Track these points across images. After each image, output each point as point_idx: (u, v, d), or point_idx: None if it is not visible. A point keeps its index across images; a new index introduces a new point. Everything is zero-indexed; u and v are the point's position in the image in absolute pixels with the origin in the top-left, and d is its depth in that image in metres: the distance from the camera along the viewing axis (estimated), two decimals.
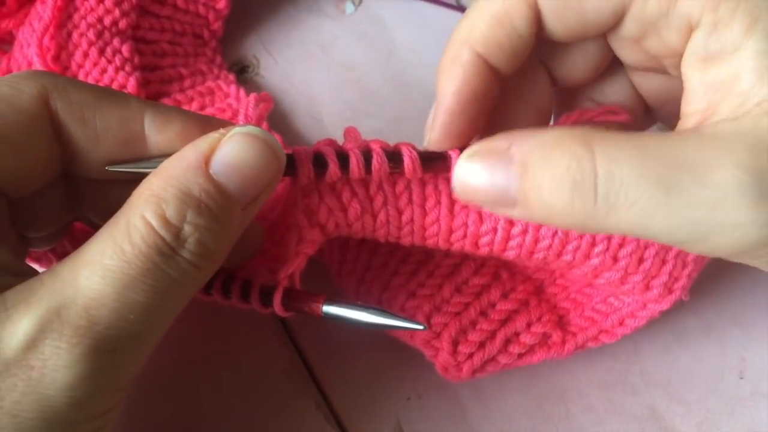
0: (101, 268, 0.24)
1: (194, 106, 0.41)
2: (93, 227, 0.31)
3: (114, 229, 0.25)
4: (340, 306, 0.30)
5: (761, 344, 0.38)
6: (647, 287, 0.32)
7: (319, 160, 0.29)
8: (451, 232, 0.31)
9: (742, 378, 0.37)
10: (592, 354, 0.37)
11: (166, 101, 0.41)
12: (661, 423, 0.36)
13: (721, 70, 0.25)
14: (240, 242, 0.29)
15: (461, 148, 0.29)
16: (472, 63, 0.28)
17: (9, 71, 0.39)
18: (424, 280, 0.35)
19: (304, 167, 0.29)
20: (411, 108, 0.44)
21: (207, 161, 0.26)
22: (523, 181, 0.26)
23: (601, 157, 0.24)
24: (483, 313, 0.34)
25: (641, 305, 0.34)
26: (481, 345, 0.34)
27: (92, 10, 0.38)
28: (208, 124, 0.29)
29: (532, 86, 0.31)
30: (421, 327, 0.30)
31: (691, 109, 0.27)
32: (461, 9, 0.48)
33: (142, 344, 0.26)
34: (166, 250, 0.25)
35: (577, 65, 0.31)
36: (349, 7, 0.48)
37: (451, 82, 0.29)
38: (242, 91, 0.42)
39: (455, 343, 0.33)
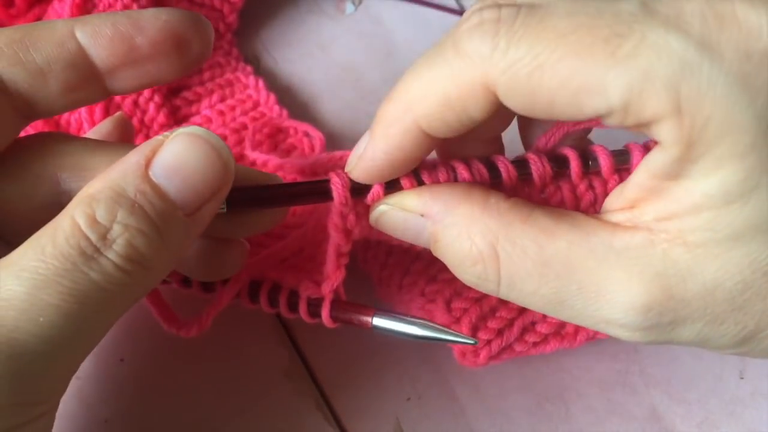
0: (19, 269, 0.23)
1: (214, 98, 0.42)
2: None
3: (43, 231, 0.24)
4: (389, 319, 0.31)
5: None
6: None
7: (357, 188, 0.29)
8: None
9: (742, 378, 0.37)
10: (592, 354, 0.37)
11: (186, 94, 0.41)
12: (661, 423, 0.36)
13: (666, 183, 0.25)
14: (217, 259, 0.28)
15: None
16: (411, 131, 0.26)
17: None
18: (445, 266, 0.35)
19: (341, 195, 0.29)
20: None
21: (148, 164, 0.25)
22: (434, 247, 0.28)
23: (505, 266, 0.26)
24: (502, 301, 0.35)
25: None
26: (500, 332, 0.34)
27: (111, 6, 0.39)
28: (138, 19, 0.27)
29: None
30: (471, 341, 0.30)
31: (625, 194, 0.26)
32: (461, 13, 0.48)
33: (58, 353, 0.24)
34: (89, 251, 0.24)
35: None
36: (349, 7, 0.48)
37: (385, 141, 0.27)
38: (261, 82, 0.43)
39: (475, 329, 0.34)
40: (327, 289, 0.31)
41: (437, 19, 0.47)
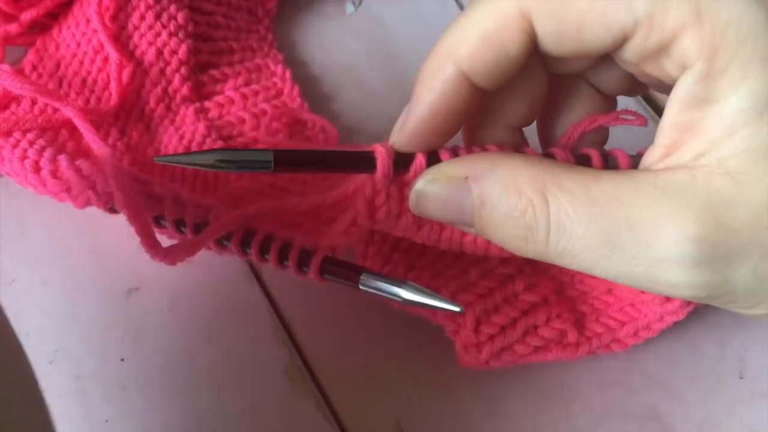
0: None
1: (240, 81, 0.42)
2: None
3: None
4: (378, 279, 0.30)
5: (761, 344, 0.38)
6: (667, 299, 0.33)
7: (400, 161, 0.30)
8: (488, 247, 0.31)
9: (742, 378, 0.37)
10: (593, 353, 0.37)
11: (213, 72, 0.42)
12: (661, 423, 0.36)
13: (696, 114, 0.25)
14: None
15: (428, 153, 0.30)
16: (453, 79, 0.28)
17: (56, 39, 0.40)
18: (451, 263, 0.35)
19: (384, 165, 0.29)
20: None
21: None
22: (480, 213, 0.28)
23: (554, 208, 0.26)
24: (506, 300, 0.35)
25: (658, 317, 0.34)
26: (503, 329, 0.34)
27: (149, 7, 0.39)
28: None
29: (527, 79, 0.31)
30: (458, 309, 0.29)
31: (660, 141, 0.27)
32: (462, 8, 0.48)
33: None
34: None
35: (574, 63, 0.31)
36: (349, 7, 0.48)
37: (428, 94, 0.29)
38: (288, 72, 0.43)
39: (478, 322, 0.34)
40: (325, 243, 0.31)
41: (438, 19, 0.48)
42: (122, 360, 0.36)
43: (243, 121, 0.41)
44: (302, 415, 0.35)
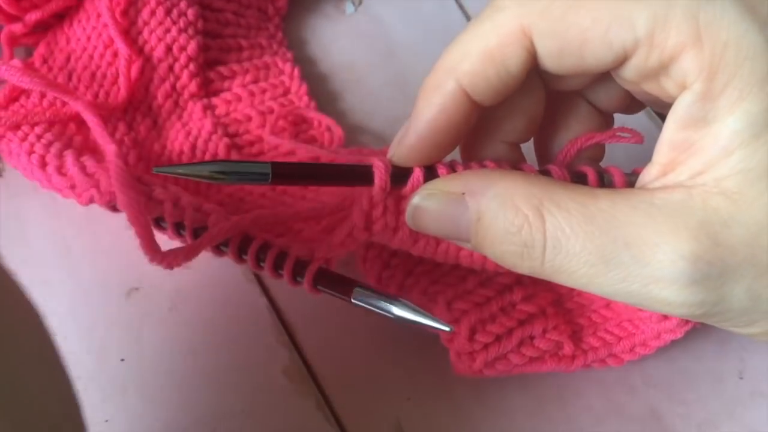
0: None
1: (248, 78, 0.42)
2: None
3: None
4: (370, 294, 0.30)
5: (761, 344, 0.38)
6: (665, 317, 0.33)
7: (398, 175, 0.30)
8: (484, 261, 0.31)
9: (741, 378, 0.37)
10: None
11: (221, 69, 0.42)
12: (661, 423, 0.36)
13: (694, 134, 0.26)
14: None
15: (425, 167, 0.30)
16: (453, 95, 0.28)
17: (68, 37, 0.40)
18: (449, 271, 0.35)
19: (382, 179, 0.29)
20: (411, 108, 0.44)
21: None
22: (476, 229, 0.28)
23: (551, 225, 0.26)
24: (503, 310, 0.35)
25: (655, 334, 0.34)
26: (498, 338, 0.34)
27: (159, 2, 0.39)
28: None
29: (525, 96, 0.31)
30: (447, 328, 0.30)
31: (657, 160, 0.27)
32: (462, 12, 0.48)
33: None
34: None
35: (572, 80, 0.31)
36: (349, 7, 0.48)
37: (428, 109, 0.29)
38: (297, 71, 0.43)
39: (473, 331, 0.34)
40: (321, 253, 0.31)
41: (438, 19, 0.48)
42: (122, 360, 0.36)
43: (249, 118, 0.41)
44: (302, 415, 0.35)
